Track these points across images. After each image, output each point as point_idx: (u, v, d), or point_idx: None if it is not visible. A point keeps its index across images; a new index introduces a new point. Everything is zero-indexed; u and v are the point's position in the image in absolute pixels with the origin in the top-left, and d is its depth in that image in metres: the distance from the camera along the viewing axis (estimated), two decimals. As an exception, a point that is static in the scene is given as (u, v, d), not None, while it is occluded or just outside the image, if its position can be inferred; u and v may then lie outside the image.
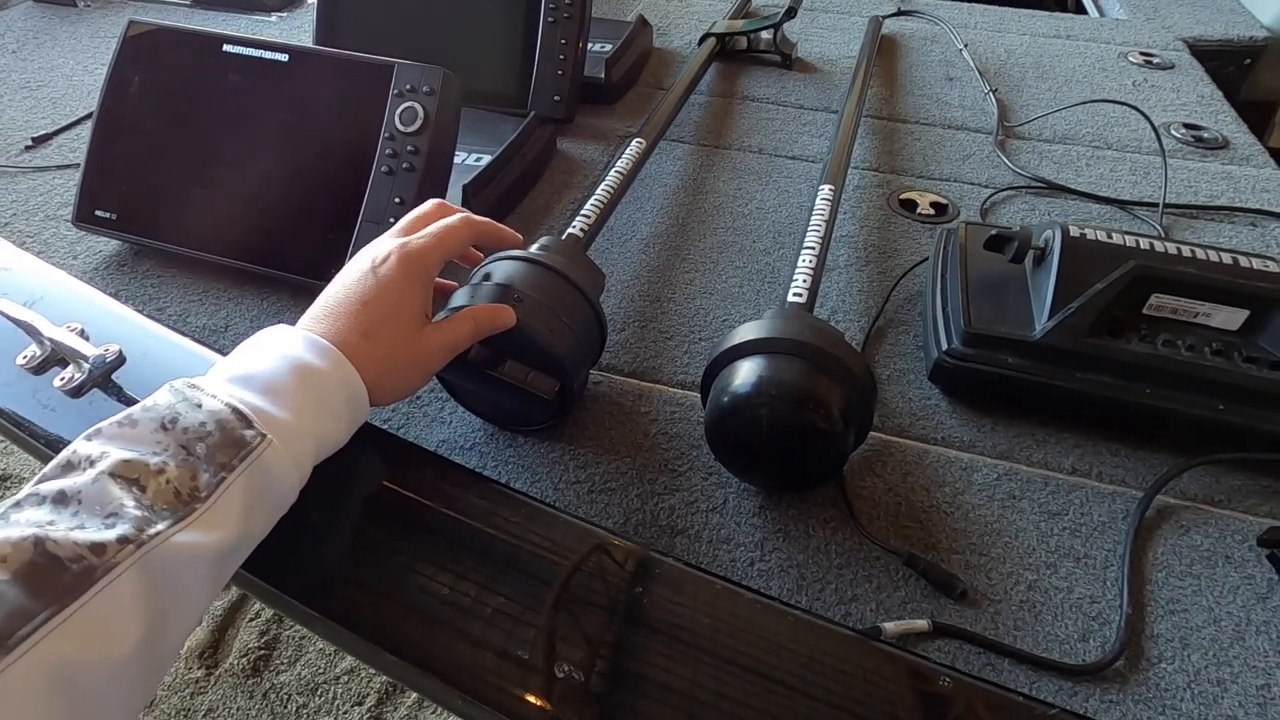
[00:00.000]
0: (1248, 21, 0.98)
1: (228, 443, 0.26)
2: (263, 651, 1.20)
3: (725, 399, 0.36)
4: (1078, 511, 0.39)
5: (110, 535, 0.23)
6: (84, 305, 0.41)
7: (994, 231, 0.45)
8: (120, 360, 0.36)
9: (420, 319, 0.34)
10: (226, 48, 0.52)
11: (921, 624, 0.33)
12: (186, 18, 0.94)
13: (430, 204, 0.38)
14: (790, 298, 0.43)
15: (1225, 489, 0.40)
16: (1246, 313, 0.40)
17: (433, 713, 1.13)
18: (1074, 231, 0.42)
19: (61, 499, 0.24)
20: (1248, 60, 0.95)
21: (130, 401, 0.26)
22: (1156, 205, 0.61)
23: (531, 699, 0.25)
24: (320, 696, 1.15)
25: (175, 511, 0.24)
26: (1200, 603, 0.35)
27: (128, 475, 0.25)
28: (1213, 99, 0.80)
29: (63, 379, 0.35)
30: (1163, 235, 0.57)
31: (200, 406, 0.27)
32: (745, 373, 0.36)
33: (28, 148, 0.68)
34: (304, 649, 1.20)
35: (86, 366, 0.34)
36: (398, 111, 0.48)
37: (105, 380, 0.35)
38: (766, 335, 0.36)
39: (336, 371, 0.30)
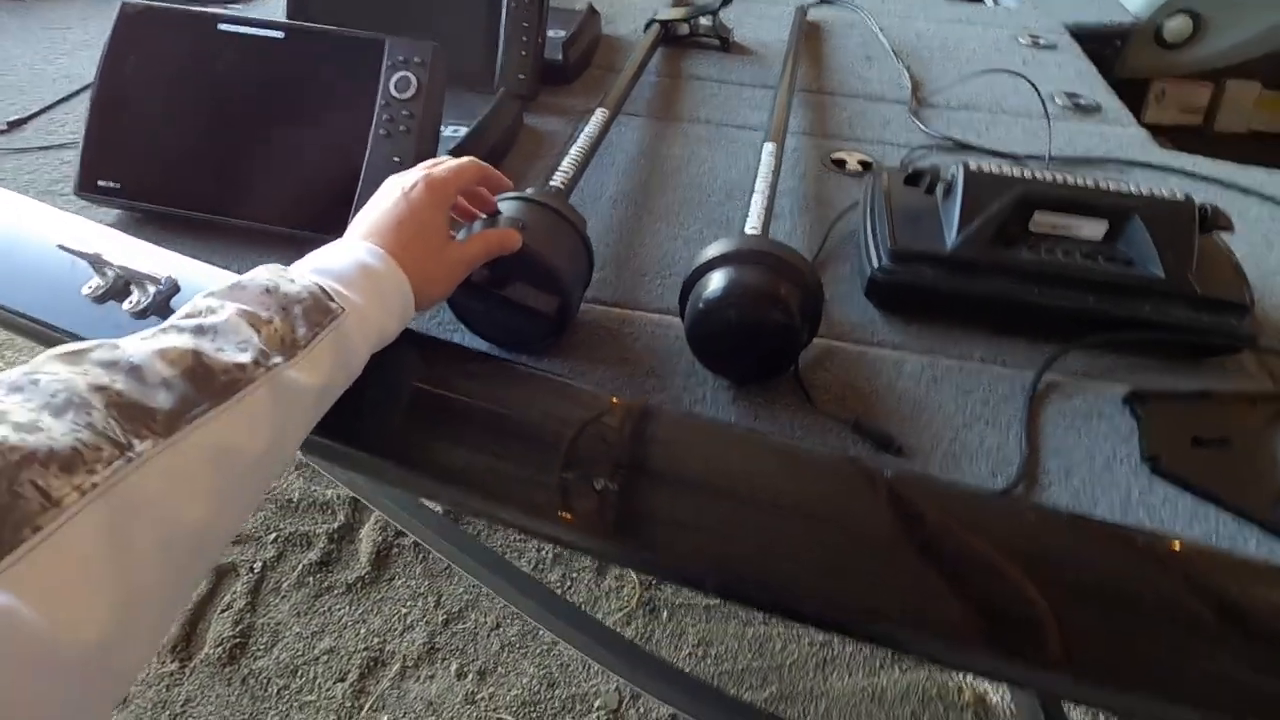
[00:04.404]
0: (1118, 9, 1.12)
1: (317, 308, 0.32)
2: (238, 639, 1.20)
3: (701, 304, 0.44)
4: (986, 389, 0.48)
5: (246, 358, 0.29)
6: (122, 243, 0.45)
7: (911, 170, 0.54)
8: (175, 288, 0.40)
9: (444, 237, 0.40)
10: (221, 26, 0.56)
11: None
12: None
13: (441, 158, 0.44)
14: (747, 230, 0.51)
15: (1098, 366, 0.50)
16: (1106, 223, 0.50)
17: (416, 681, 1.17)
18: (973, 166, 0.52)
19: (200, 330, 0.29)
20: (1118, 42, 1.10)
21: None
22: (1044, 158, 0.72)
23: (579, 509, 0.32)
24: (301, 677, 1.17)
25: (284, 352, 0.30)
26: (1080, 445, 0.45)
27: (248, 320, 0.30)
28: (1089, 73, 0.93)
29: (131, 302, 0.39)
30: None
31: (294, 282, 0.33)
32: (717, 280, 0.43)
33: (3, 131, 0.70)
34: (280, 634, 1.22)
35: (152, 291, 0.39)
36: (392, 80, 0.54)
37: (164, 306, 0.40)
38: (733, 249, 0.44)
39: (391, 273, 0.36)
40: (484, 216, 0.46)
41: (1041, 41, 0.99)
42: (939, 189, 0.53)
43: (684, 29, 0.93)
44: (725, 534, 0.31)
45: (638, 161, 0.71)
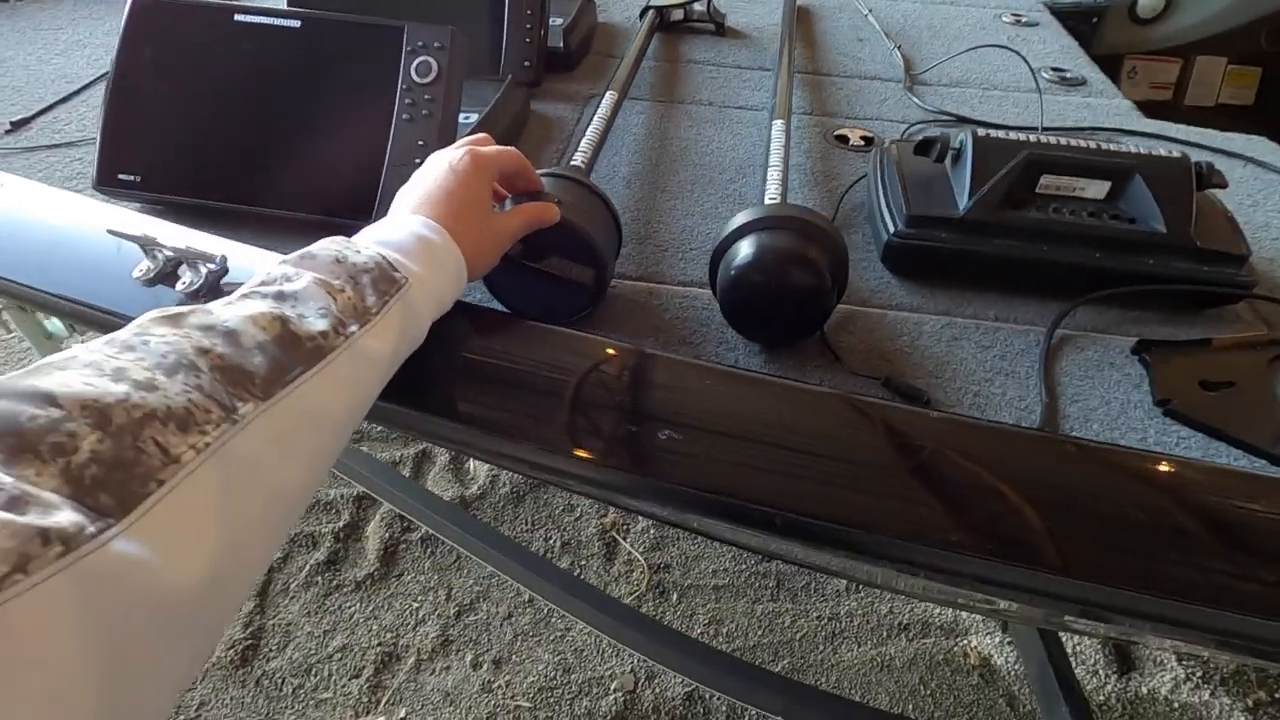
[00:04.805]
0: (1093, -14, 1.16)
1: (384, 278, 0.33)
2: (249, 641, 1.20)
3: (734, 271, 0.45)
4: (1003, 345, 0.51)
5: (326, 325, 0.30)
6: (166, 228, 0.46)
7: (921, 138, 0.56)
8: (226, 268, 0.41)
9: (489, 209, 0.41)
10: (238, 17, 0.57)
11: (901, 422, 0.43)
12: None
13: (477, 135, 0.45)
14: (766, 200, 0.53)
15: (1105, 320, 0.53)
16: (1108, 184, 0.52)
17: (432, 673, 1.17)
18: (981, 133, 0.54)
19: (280, 297, 0.30)
20: (1095, 19, 1.13)
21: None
22: (1036, 129, 0.75)
23: (647, 454, 0.33)
24: (315, 675, 1.17)
25: (358, 320, 0.31)
26: (1095, 392, 0.47)
27: (324, 289, 0.31)
28: (1071, 48, 0.96)
29: (184, 283, 0.40)
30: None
31: (359, 252, 0.34)
32: (748, 247, 0.45)
33: (7, 131, 0.69)
34: (292, 634, 1.22)
35: (204, 271, 0.40)
36: (413, 66, 0.55)
37: (216, 286, 0.40)
38: (762, 216, 0.46)
39: (447, 245, 0.37)
40: (510, 196, 0.47)
41: (1024, 19, 1.02)
42: (948, 157, 0.55)
43: (679, 14, 0.94)
44: (788, 475, 0.33)
45: (646, 143, 0.72)
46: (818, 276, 0.44)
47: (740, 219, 0.46)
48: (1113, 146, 0.53)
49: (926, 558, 0.36)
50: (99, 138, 0.57)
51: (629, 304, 0.53)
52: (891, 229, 0.54)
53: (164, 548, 0.23)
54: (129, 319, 0.40)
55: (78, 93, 0.75)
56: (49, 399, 0.23)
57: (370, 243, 0.35)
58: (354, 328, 0.31)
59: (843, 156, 0.71)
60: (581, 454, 0.33)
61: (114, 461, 0.23)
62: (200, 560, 0.24)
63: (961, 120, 0.77)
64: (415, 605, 1.25)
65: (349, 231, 0.41)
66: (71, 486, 0.22)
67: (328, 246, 0.34)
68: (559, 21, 0.85)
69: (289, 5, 0.75)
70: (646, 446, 0.33)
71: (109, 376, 0.25)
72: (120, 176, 0.57)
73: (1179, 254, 0.51)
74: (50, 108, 0.72)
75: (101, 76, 0.78)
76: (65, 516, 0.21)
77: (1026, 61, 0.81)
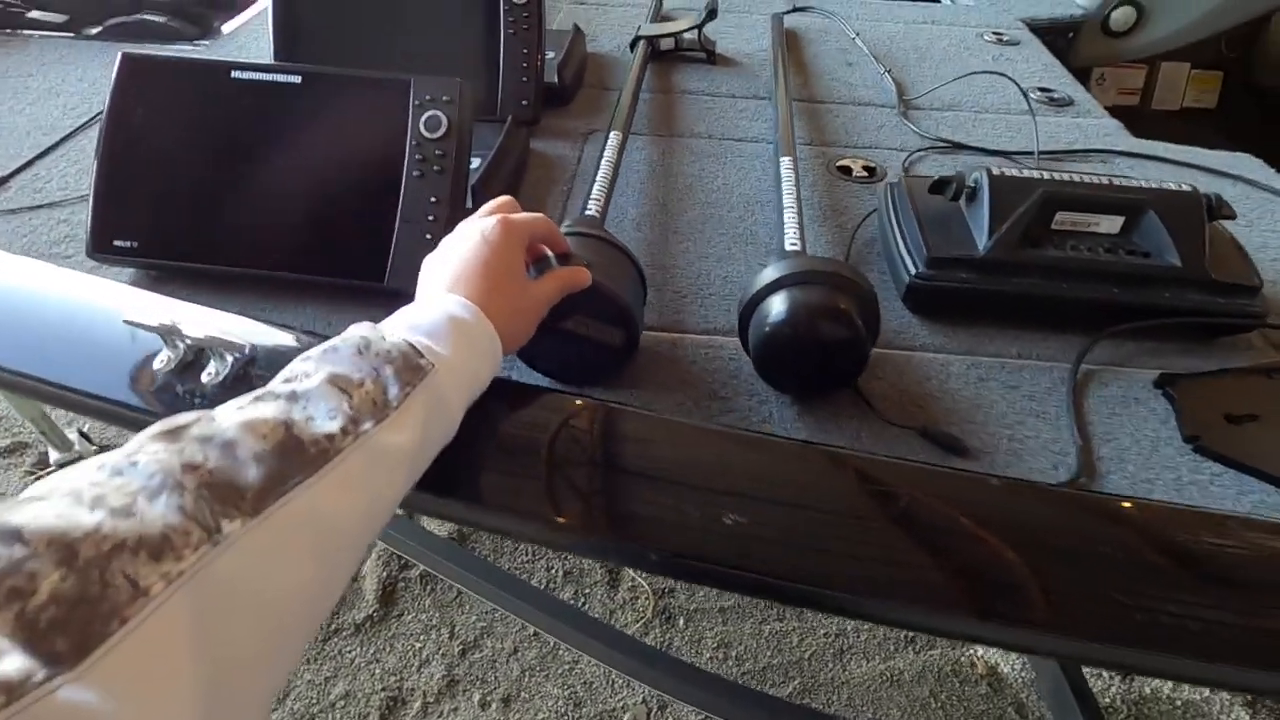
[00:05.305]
0: (1068, 3, 1.18)
1: (408, 367, 0.32)
2: (248, 694, 1.16)
3: (767, 328, 0.45)
4: (1030, 384, 0.51)
5: (335, 427, 0.29)
6: (186, 312, 0.44)
7: (936, 178, 0.56)
8: (253, 357, 0.39)
9: (524, 278, 0.40)
10: (235, 74, 0.55)
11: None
12: (103, 52, 0.92)
13: (503, 199, 0.44)
14: (787, 247, 0.52)
15: (1124, 353, 0.53)
16: (1122, 218, 0.53)
17: (439, 716, 1.15)
18: (995, 171, 0.54)
19: (293, 397, 0.29)
20: (1071, 34, 1.16)
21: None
22: (1032, 153, 0.76)
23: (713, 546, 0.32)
24: (318, 726, 1.14)
25: (374, 415, 0.31)
26: (1125, 430, 0.48)
27: (339, 386, 0.30)
28: (1054, 67, 0.97)
29: (209, 374, 0.38)
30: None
31: (385, 339, 0.33)
32: (781, 303, 0.44)
33: (-16, 192, 0.66)
34: (291, 683, 1.18)
35: (229, 360, 0.38)
36: (422, 120, 0.53)
37: (244, 375, 0.38)
38: (790, 271, 0.45)
39: (480, 323, 0.36)
40: (534, 263, 0.46)
41: (1005, 38, 1.04)
42: (964, 195, 0.55)
43: (669, 44, 0.94)
44: (808, 543, 0.33)
45: (651, 181, 0.72)
46: (854, 330, 0.44)
47: (770, 274, 0.46)
48: (1123, 181, 0.54)
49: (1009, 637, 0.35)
50: (91, 203, 0.54)
51: (654, 356, 0.52)
52: (913, 270, 0.54)
53: (125, 692, 0.21)
54: (154, 416, 0.39)
55: (56, 145, 0.72)
56: (16, 535, 0.22)
57: (400, 326, 0.35)
58: (368, 425, 0.30)
59: (847, 189, 0.71)
60: (633, 536, 0.32)
61: (77, 599, 0.22)
62: (174, 699, 0.23)
63: (958, 146, 0.77)
64: (418, 645, 1.22)
65: (361, 293, 0.39)
66: (25, 632, 0.21)
67: (352, 336, 0.33)
68: (551, 55, 0.84)
69: (275, 60, 0.73)
70: (712, 529, 0.32)
71: (85, 506, 0.24)
72: (116, 243, 0.54)
73: (1194, 286, 0.52)
74: (29, 164, 0.69)
75: (81, 127, 0.75)
76: (12, 664, 0.20)
77: (1018, 85, 0.82)
